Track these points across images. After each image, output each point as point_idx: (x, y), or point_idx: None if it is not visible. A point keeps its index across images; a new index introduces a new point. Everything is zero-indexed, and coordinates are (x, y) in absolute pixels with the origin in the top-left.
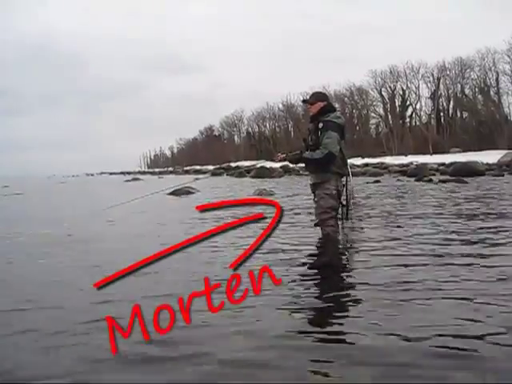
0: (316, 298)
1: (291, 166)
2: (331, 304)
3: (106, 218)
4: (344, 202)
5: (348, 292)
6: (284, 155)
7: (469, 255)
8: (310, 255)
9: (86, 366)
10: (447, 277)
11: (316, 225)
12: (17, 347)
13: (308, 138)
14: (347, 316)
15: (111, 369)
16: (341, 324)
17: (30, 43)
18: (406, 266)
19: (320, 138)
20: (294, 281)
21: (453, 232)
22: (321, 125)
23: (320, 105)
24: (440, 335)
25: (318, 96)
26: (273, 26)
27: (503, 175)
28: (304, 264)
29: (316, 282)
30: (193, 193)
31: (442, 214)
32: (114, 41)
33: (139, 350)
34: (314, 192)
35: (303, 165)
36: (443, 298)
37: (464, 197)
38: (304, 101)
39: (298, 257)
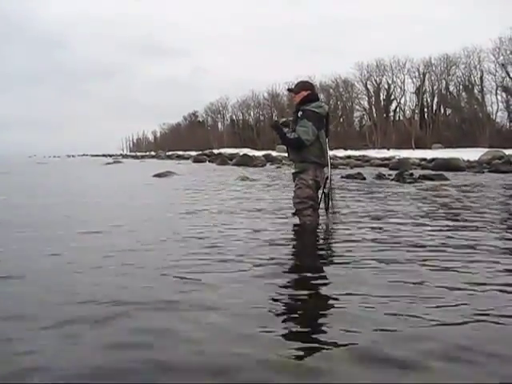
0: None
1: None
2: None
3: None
4: (326, 192)
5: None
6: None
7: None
8: (287, 244)
9: None
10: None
11: (294, 214)
12: None
13: (290, 127)
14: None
15: None
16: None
17: (12, 20)
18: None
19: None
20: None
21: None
22: (300, 113)
23: (304, 94)
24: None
25: (303, 85)
26: (260, 14)
27: (483, 172)
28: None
29: (295, 273)
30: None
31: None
32: (98, 22)
33: None
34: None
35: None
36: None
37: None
38: (289, 89)
39: (273, 245)
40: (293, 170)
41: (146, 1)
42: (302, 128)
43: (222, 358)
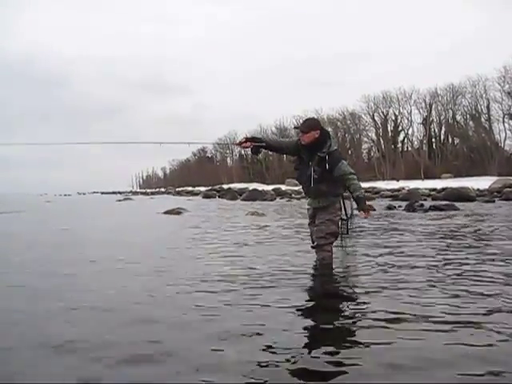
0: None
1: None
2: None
3: None
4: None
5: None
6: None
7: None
8: (306, 279)
9: None
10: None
11: (313, 247)
12: None
13: (308, 167)
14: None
15: None
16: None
17: (14, 60)
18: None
19: (334, 170)
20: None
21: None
22: (327, 157)
23: (314, 135)
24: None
25: (311, 124)
26: (263, 50)
27: (494, 201)
28: (301, 287)
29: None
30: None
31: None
32: (100, 60)
33: None
34: (313, 216)
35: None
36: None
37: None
38: (296, 127)
39: (293, 280)
40: (313, 205)
41: (147, 40)
42: (346, 166)
43: None
